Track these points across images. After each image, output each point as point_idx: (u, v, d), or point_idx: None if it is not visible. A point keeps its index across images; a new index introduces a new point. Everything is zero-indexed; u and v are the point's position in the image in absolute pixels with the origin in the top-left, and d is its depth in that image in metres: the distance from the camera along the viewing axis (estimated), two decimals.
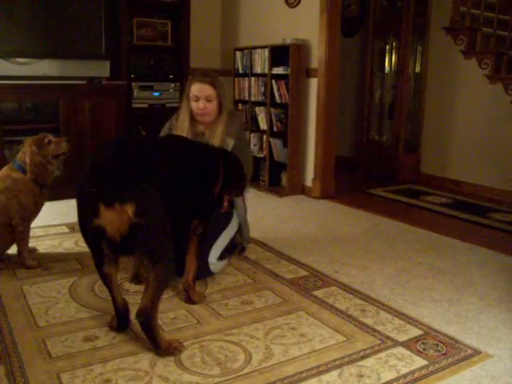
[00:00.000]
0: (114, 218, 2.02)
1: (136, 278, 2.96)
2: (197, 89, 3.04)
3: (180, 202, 2.39)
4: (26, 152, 3.10)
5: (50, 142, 3.17)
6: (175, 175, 2.37)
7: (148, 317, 2.16)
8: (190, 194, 2.48)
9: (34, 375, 2.05)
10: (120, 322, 2.40)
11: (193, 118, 3.11)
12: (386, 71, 6.16)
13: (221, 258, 3.04)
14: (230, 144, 3.04)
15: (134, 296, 2.77)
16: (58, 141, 3.21)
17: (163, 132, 3.23)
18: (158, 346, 2.20)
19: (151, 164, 2.23)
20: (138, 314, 2.18)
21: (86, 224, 2.12)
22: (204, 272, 2.94)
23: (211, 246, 2.98)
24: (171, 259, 2.21)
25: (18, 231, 3.10)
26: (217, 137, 3.03)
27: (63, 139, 3.26)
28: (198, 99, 3.04)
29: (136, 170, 2.13)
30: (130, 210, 2.00)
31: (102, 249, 2.19)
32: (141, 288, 2.86)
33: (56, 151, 3.19)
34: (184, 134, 3.02)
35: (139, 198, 2.02)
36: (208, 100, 3.03)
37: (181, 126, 3.11)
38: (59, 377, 2.04)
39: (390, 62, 6.12)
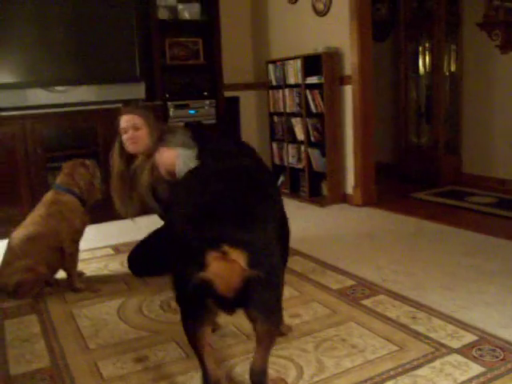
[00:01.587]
0: (224, 271, 1.70)
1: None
2: (123, 120, 3.11)
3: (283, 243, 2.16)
4: (73, 173, 3.24)
5: (89, 165, 3.34)
6: (282, 213, 2.15)
7: (264, 374, 1.92)
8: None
9: None
10: None
11: (125, 156, 3.14)
12: (421, 73, 6.07)
13: None
14: None
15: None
16: (93, 166, 3.38)
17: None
18: None
19: (267, 201, 1.95)
20: (254, 375, 1.91)
21: (188, 279, 1.74)
22: None
23: None
24: (282, 308, 1.98)
25: (69, 253, 3.17)
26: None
27: (95, 163, 3.43)
28: (125, 131, 3.09)
29: (252, 209, 1.82)
30: (243, 258, 1.69)
31: (202, 307, 1.83)
32: None
33: (95, 176, 3.35)
34: (116, 173, 3.12)
35: (255, 245, 1.73)
36: (135, 128, 3.08)
37: (114, 166, 3.16)
38: None
39: (423, 63, 6.03)
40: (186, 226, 1.79)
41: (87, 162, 3.35)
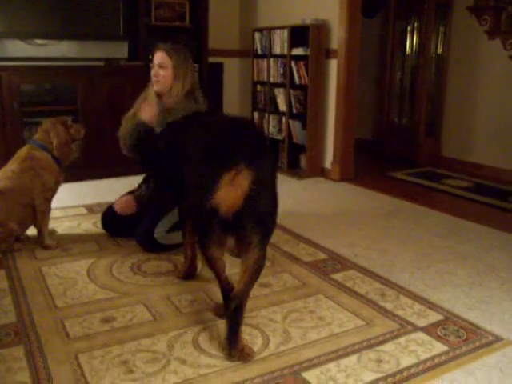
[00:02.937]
0: (230, 193, 1.92)
1: (188, 276, 2.80)
2: (155, 56, 3.10)
3: None
4: (50, 130, 3.17)
5: (71, 126, 3.28)
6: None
7: (241, 302, 2.06)
8: None
9: (52, 355, 2.06)
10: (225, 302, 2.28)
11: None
12: (407, 53, 6.05)
13: (172, 230, 3.13)
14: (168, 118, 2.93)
15: (153, 278, 2.78)
16: (78, 126, 3.32)
17: (133, 110, 3.21)
18: (236, 342, 2.06)
19: (264, 138, 2.26)
20: (233, 298, 2.09)
21: (202, 204, 1.97)
22: (147, 241, 3.10)
23: (161, 216, 3.12)
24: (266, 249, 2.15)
25: (40, 211, 3.13)
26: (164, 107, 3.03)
27: (81, 125, 3.37)
28: (153, 65, 3.09)
29: (254, 142, 2.10)
30: (249, 177, 1.92)
31: (212, 231, 2.06)
32: (159, 270, 2.87)
33: (76, 135, 3.29)
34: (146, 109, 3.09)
35: (259, 167, 1.97)
36: (161, 67, 3.05)
37: (143, 100, 3.16)
38: (77, 357, 2.05)
39: (411, 43, 6.00)
40: (202, 156, 2.07)
41: (69, 121, 3.29)
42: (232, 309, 2.06)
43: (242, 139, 2.06)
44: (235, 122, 2.34)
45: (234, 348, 2.05)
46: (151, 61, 3.15)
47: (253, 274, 2.08)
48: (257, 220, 2.00)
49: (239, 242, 2.08)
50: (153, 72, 3.07)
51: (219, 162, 1.98)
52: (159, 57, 3.06)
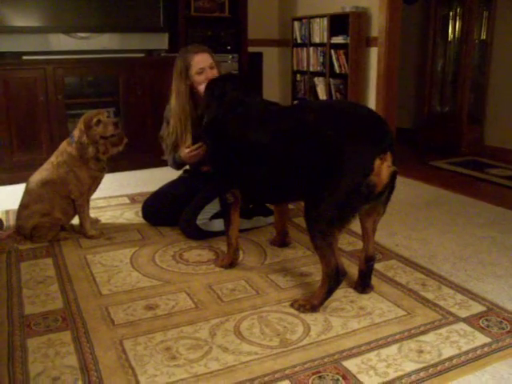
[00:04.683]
0: (383, 173, 2.19)
1: (231, 266, 2.83)
2: (199, 61, 3.04)
3: None
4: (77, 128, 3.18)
5: (98, 123, 3.10)
6: None
7: (374, 259, 2.55)
8: None
9: (98, 341, 2.12)
10: None
11: (192, 99, 3.11)
12: (450, 39, 5.91)
13: (214, 217, 3.16)
14: None
15: (194, 266, 2.82)
16: (106, 122, 3.12)
17: (164, 128, 3.29)
18: (369, 283, 2.54)
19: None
20: (370, 259, 2.50)
21: (359, 184, 2.17)
22: (190, 227, 3.15)
23: (204, 204, 3.15)
24: None
25: (78, 204, 3.19)
26: None
27: (111, 121, 3.14)
28: (203, 71, 3.03)
29: (389, 129, 2.33)
30: (391, 159, 2.21)
31: (360, 207, 2.29)
32: (201, 258, 2.91)
33: (103, 133, 3.12)
34: (186, 117, 3.06)
35: (394, 149, 2.26)
36: (211, 68, 3.05)
37: (182, 109, 3.08)
38: (122, 343, 2.10)
39: (453, 29, 5.87)
40: (357, 138, 2.20)
41: (95, 119, 3.11)
42: (370, 267, 2.52)
43: (384, 127, 2.29)
44: (360, 107, 2.49)
45: (368, 286, 2.53)
46: (183, 69, 3.05)
47: (374, 236, 2.51)
48: (390, 191, 2.33)
49: (368, 210, 2.40)
50: (208, 75, 2.99)
51: (375, 147, 2.19)
52: (206, 59, 3.05)
